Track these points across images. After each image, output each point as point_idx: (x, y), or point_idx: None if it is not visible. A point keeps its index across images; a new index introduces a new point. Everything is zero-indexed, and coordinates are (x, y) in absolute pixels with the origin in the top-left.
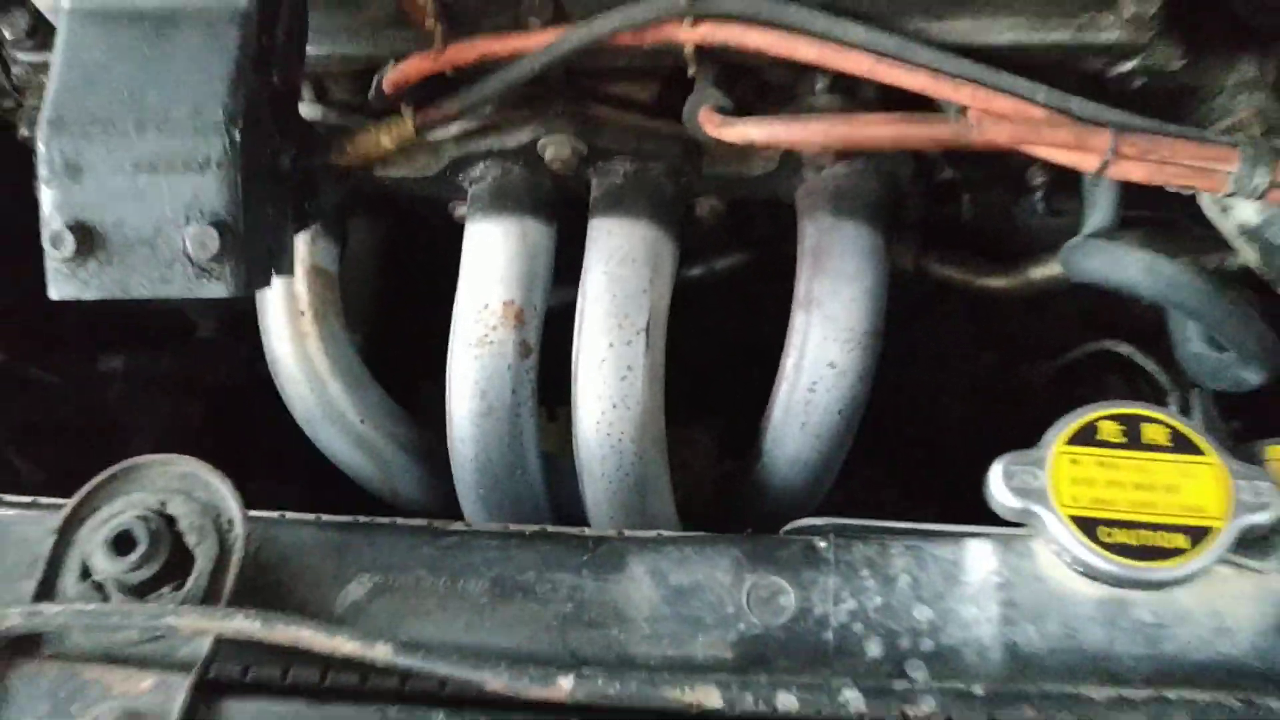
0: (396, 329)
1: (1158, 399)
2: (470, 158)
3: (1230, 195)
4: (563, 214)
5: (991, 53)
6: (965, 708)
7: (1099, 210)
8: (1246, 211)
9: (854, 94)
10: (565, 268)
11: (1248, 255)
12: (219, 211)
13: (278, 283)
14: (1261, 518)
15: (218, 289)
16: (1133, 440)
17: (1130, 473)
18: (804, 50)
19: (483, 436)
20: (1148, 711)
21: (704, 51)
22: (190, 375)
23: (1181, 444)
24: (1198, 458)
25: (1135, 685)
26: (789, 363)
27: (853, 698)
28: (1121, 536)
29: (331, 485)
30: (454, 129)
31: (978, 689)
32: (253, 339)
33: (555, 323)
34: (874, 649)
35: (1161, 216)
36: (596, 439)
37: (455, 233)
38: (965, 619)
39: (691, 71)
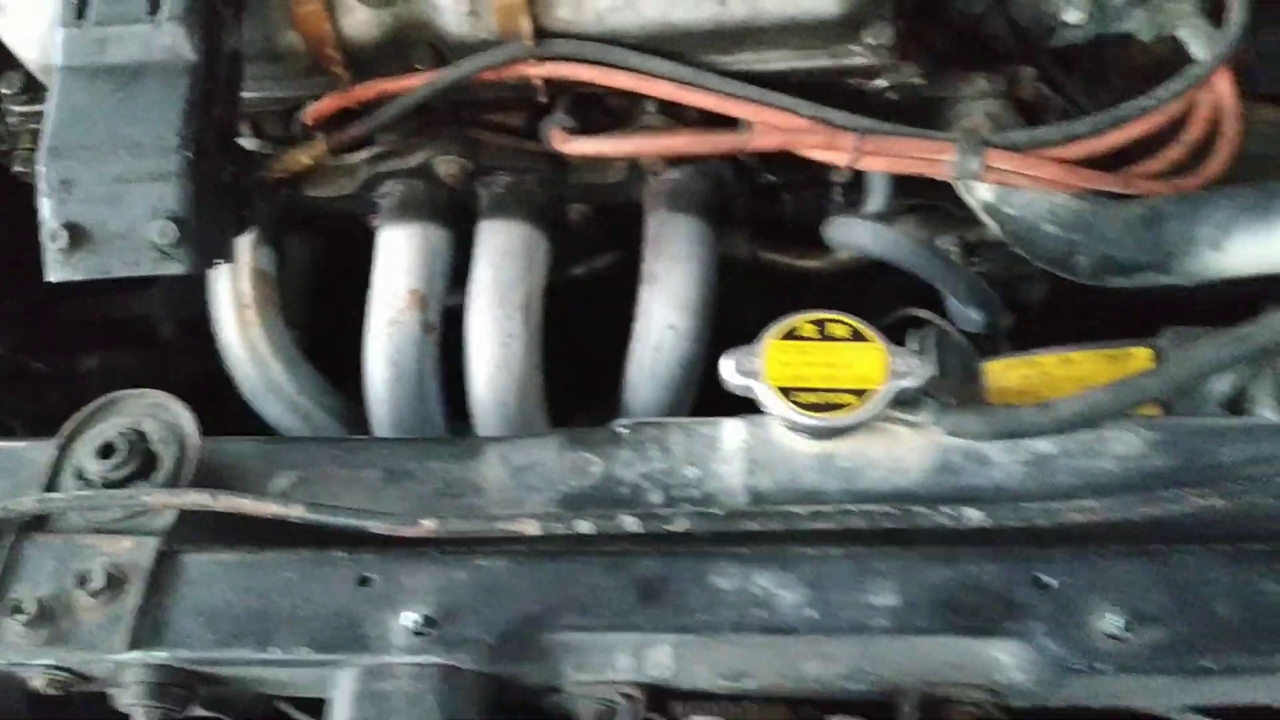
0: (330, 328)
1: None
2: (379, 177)
3: (956, 178)
4: (458, 221)
5: (770, 77)
6: (706, 521)
7: (874, 197)
8: (984, 192)
9: (678, 115)
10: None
11: (992, 226)
12: (176, 211)
13: (226, 282)
14: (910, 382)
15: (176, 268)
16: (822, 334)
17: (819, 356)
18: (621, 81)
19: (394, 399)
20: (833, 519)
21: (551, 84)
22: (154, 372)
23: (856, 335)
24: (866, 344)
25: None
26: (638, 327)
27: (629, 520)
28: (810, 399)
29: None
30: (365, 154)
31: (717, 511)
32: (206, 340)
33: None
34: (656, 497)
35: (932, 203)
36: (486, 396)
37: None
38: (720, 473)
39: (543, 100)
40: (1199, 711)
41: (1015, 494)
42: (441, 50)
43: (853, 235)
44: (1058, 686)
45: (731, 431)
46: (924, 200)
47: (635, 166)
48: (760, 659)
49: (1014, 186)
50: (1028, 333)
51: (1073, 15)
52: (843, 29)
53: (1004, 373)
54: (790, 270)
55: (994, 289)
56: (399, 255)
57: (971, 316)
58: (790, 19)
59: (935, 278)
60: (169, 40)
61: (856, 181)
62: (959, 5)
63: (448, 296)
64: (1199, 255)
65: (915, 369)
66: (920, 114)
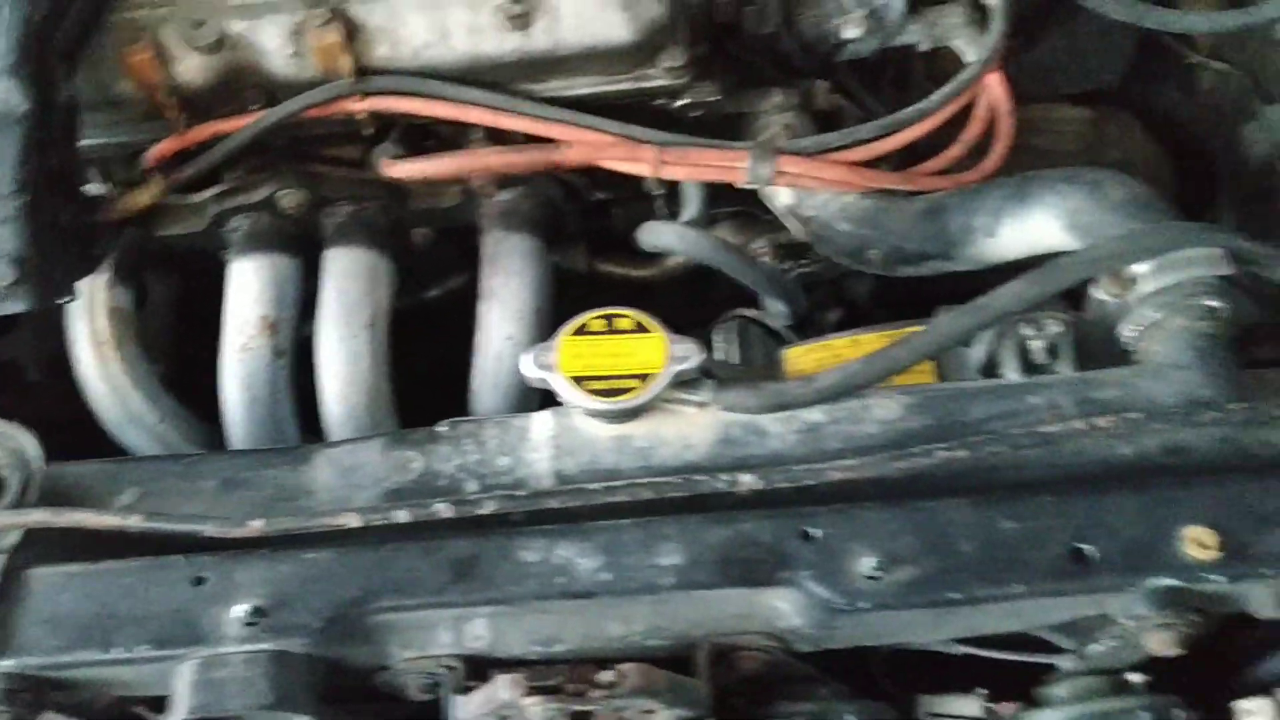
0: (198, 361)
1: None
2: (226, 213)
3: (751, 183)
4: (306, 250)
5: (580, 101)
6: (512, 503)
7: (689, 206)
8: (783, 196)
9: (505, 139)
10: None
11: (795, 228)
12: (14, 252)
13: (83, 322)
14: (687, 365)
15: (18, 306)
16: (610, 328)
17: (607, 347)
18: (440, 110)
19: (249, 422)
20: (626, 492)
21: (377, 117)
22: (23, 412)
23: (640, 328)
24: (648, 335)
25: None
26: (479, 339)
27: (442, 507)
28: (599, 386)
29: None
30: (211, 192)
31: (522, 493)
32: (71, 380)
33: None
34: (472, 486)
35: (746, 209)
36: (338, 412)
37: None
38: (530, 460)
39: (373, 132)
40: (962, 642)
41: (788, 459)
42: (271, 91)
43: (660, 238)
44: (830, 627)
45: (540, 423)
46: (738, 207)
47: (469, 190)
48: (566, 624)
49: (806, 189)
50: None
51: (852, 32)
52: (639, 55)
53: (802, 357)
54: (626, 280)
55: (821, 286)
56: (248, 285)
57: (779, 310)
58: (589, 47)
59: (736, 273)
60: (1, 94)
61: (676, 194)
62: (749, 27)
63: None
64: (977, 242)
65: (692, 354)
66: (725, 128)
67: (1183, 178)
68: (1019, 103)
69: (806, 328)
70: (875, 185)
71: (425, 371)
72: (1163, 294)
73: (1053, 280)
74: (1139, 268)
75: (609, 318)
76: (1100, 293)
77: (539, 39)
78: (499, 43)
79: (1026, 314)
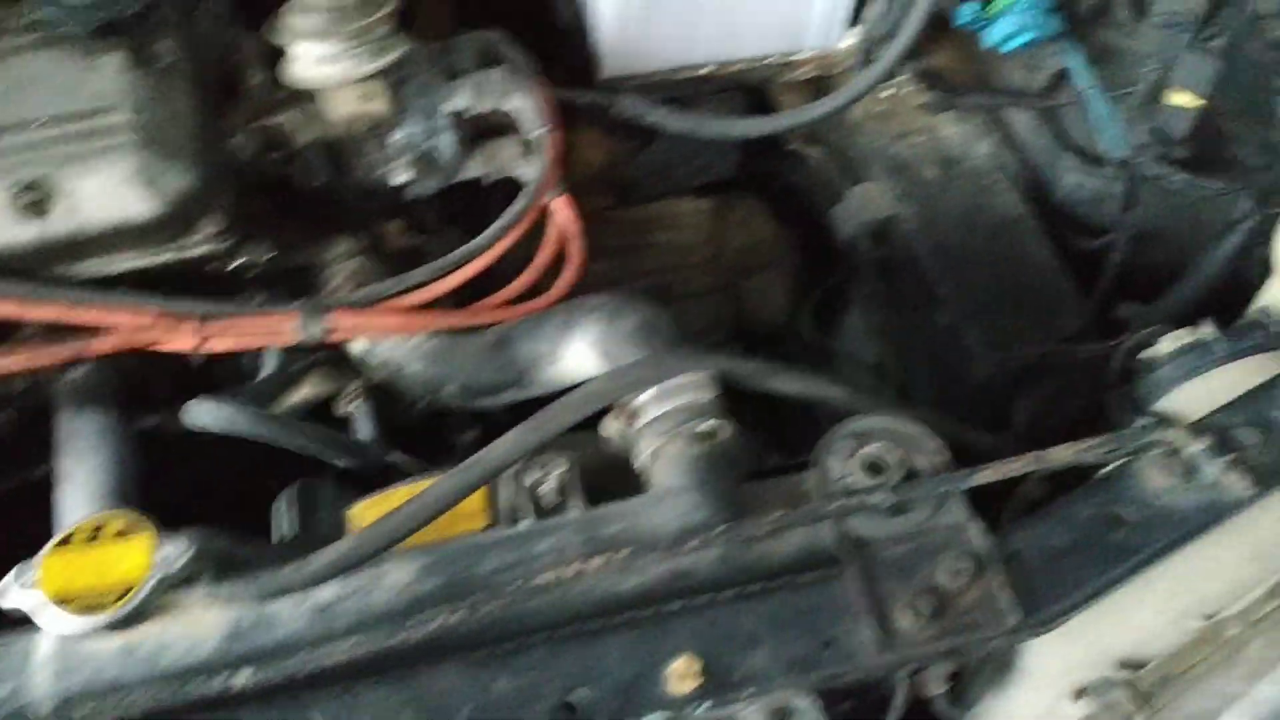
0: None
1: None
2: None
3: (305, 344)
4: None
5: (123, 277)
6: None
7: (268, 363)
8: (357, 344)
9: (61, 329)
10: None
11: (373, 374)
12: None
13: None
14: (175, 567)
15: None
16: (97, 537)
17: (93, 558)
18: None
19: None
20: (121, 708)
21: None
22: None
23: (127, 532)
24: (135, 539)
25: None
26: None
27: None
28: (88, 601)
29: None
30: None
31: None
32: None
33: None
34: None
35: (334, 355)
36: None
37: None
38: (30, 685)
39: None
40: None
41: (299, 644)
42: None
43: (198, 419)
44: None
45: (43, 642)
46: (325, 354)
47: (38, 374)
48: None
49: (369, 339)
50: None
51: (402, 177)
52: (174, 226)
53: (367, 512)
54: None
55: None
56: None
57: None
58: (118, 225)
59: (286, 443)
60: None
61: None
62: (298, 183)
63: None
64: (544, 369)
65: (180, 554)
66: (293, 283)
67: (811, 255)
68: (642, 201)
69: (442, 454)
70: (436, 326)
71: None
72: (661, 421)
73: (548, 426)
74: (640, 398)
75: (98, 526)
76: (609, 427)
77: (60, 223)
78: (18, 232)
79: (532, 459)
